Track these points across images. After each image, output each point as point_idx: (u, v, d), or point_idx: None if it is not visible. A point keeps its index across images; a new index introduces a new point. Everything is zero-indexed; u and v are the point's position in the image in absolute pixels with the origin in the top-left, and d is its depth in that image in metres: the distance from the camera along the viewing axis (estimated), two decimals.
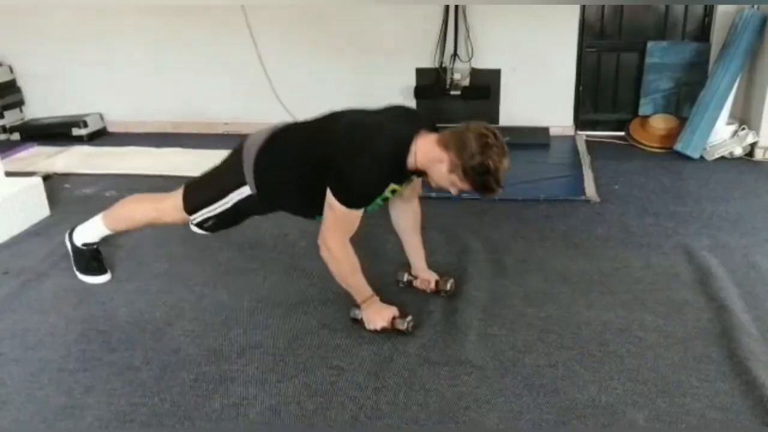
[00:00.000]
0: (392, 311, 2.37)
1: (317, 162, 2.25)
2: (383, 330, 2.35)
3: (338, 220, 2.23)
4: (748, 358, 2.16)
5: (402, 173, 2.26)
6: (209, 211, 2.47)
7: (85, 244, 2.77)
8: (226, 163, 2.52)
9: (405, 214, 2.60)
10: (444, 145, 2.15)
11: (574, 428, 1.91)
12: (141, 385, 2.15)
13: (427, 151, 2.18)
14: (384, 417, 1.98)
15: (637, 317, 2.46)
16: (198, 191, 2.53)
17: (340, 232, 2.26)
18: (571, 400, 2.02)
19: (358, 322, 2.40)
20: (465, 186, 2.17)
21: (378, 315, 2.36)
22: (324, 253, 2.29)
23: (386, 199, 2.36)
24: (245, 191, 2.39)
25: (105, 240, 2.82)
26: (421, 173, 2.27)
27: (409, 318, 2.37)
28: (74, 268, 2.81)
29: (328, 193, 2.20)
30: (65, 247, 2.82)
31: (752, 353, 2.18)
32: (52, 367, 2.25)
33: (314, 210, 2.31)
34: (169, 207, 2.56)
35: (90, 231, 2.76)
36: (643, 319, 2.45)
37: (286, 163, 2.34)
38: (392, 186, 2.26)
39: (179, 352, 2.32)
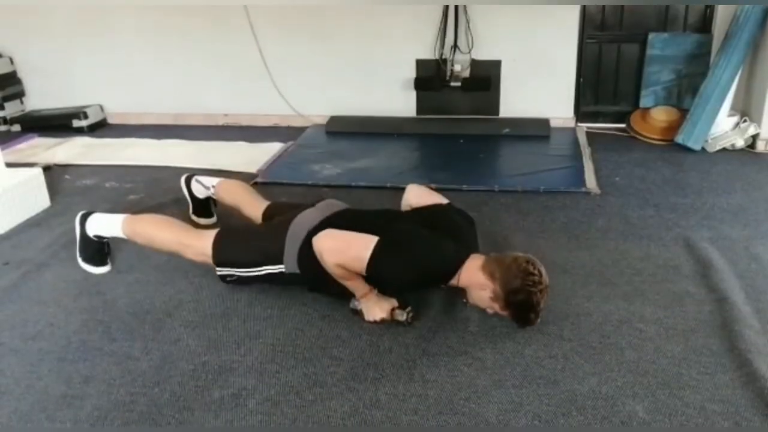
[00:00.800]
0: (391, 303, 2.38)
1: None
2: (382, 321, 2.36)
3: (349, 257, 2.25)
4: (748, 350, 2.16)
5: (438, 286, 2.41)
6: (237, 272, 2.52)
7: (97, 237, 2.77)
8: (268, 234, 2.55)
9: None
10: (489, 274, 2.22)
11: (573, 420, 1.92)
12: (141, 375, 2.15)
13: (471, 275, 2.27)
14: (383, 408, 1.98)
15: (637, 309, 2.46)
16: (232, 250, 2.53)
17: (339, 259, 2.25)
18: (570, 392, 2.02)
19: (358, 314, 2.41)
20: (504, 314, 2.26)
21: (377, 306, 2.36)
22: (317, 254, 2.29)
23: None
24: (279, 268, 2.44)
25: (115, 239, 2.80)
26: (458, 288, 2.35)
27: (409, 309, 2.37)
28: (77, 254, 2.81)
29: (372, 238, 2.23)
30: (68, 235, 2.81)
31: (753, 345, 2.18)
32: (51, 357, 2.26)
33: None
34: (196, 249, 2.54)
35: (106, 227, 2.74)
36: (643, 311, 2.45)
37: None
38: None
39: (179, 343, 2.32)
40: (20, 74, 5.38)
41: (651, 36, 4.67)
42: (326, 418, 1.94)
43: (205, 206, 3.19)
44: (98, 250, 2.81)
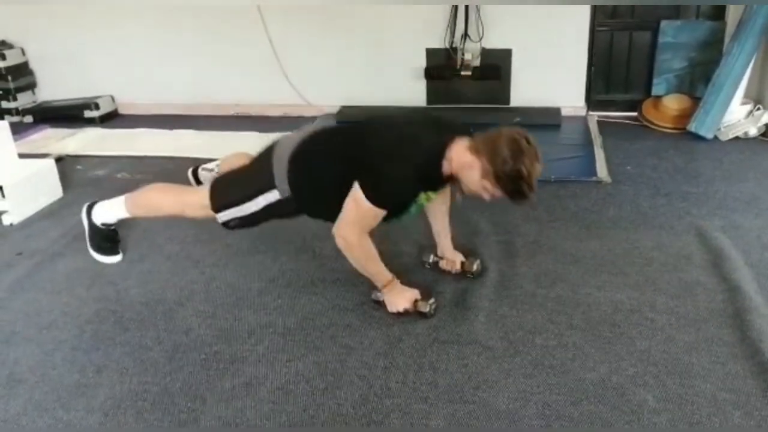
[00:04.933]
0: (414, 293, 2.37)
1: (352, 164, 2.25)
2: (406, 312, 2.35)
3: (360, 216, 2.22)
4: (760, 339, 2.15)
5: (437, 181, 2.29)
6: (236, 212, 2.47)
7: (104, 224, 2.78)
8: (255, 164, 2.53)
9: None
10: (476, 150, 2.15)
11: (583, 409, 1.92)
12: (153, 364, 2.17)
13: (459, 157, 2.19)
14: (393, 396, 1.99)
15: (648, 298, 2.45)
16: (226, 191, 2.52)
17: (359, 228, 2.24)
18: (581, 381, 2.02)
19: (380, 305, 2.40)
20: (497, 192, 2.17)
21: (400, 297, 2.35)
22: (340, 243, 2.28)
23: (421, 206, 2.38)
24: (274, 195, 2.39)
25: (122, 222, 2.82)
26: (454, 180, 2.28)
27: (432, 300, 2.37)
28: (88, 245, 2.83)
29: (355, 188, 2.19)
30: (80, 225, 2.83)
31: (765, 335, 2.17)
32: (65, 346, 2.28)
33: None
34: (195, 203, 2.56)
35: (110, 211, 2.76)
36: (654, 301, 2.44)
37: (320, 166, 2.34)
38: (427, 194, 2.30)
39: (190, 333, 2.34)
40: (32, 65, 5.40)
41: (663, 23, 4.63)
42: (337, 407, 1.95)
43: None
44: (108, 238, 2.83)
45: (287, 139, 2.46)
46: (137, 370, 2.15)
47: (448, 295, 2.50)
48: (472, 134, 2.28)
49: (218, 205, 2.49)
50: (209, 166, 3.12)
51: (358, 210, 2.21)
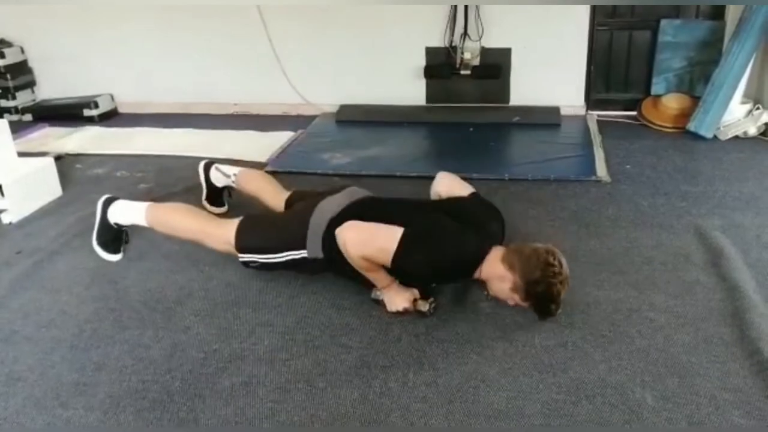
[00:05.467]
0: (413, 293, 2.38)
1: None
2: (405, 312, 2.35)
3: (376, 245, 2.24)
4: (759, 338, 2.15)
5: (462, 278, 2.41)
6: (260, 258, 2.50)
7: (117, 224, 2.79)
8: (292, 221, 2.56)
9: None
10: (510, 265, 2.22)
11: (583, 408, 1.92)
12: (152, 362, 2.17)
13: (492, 267, 2.27)
14: (393, 395, 1.99)
15: (647, 297, 2.46)
16: (256, 237, 2.52)
17: (362, 246, 2.25)
18: (580, 380, 2.03)
19: (380, 304, 2.40)
20: (524, 305, 2.25)
21: (399, 297, 2.36)
22: (340, 242, 2.28)
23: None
24: (302, 253, 2.42)
25: (135, 227, 2.82)
26: (482, 282, 2.35)
27: (431, 299, 2.38)
28: (94, 237, 2.82)
29: (398, 230, 2.21)
30: (80, 223, 2.83)
31: (764, 334, 2.17)
32: (64, 345, 2.28)
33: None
34: (219, 237, 2.55)
35: (128, 214, 2.76)
36: (653, 300, 2.44)
37: None
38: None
39: (189, 331, 2.34)
40: (31, 64, 5.39)
41: (663, 22, 4.62)
42: (336, 406, 1.95)
43: (219, 195, 3.20)
44: (116, 237, 2.84)
45: (328, 204, 2.47)
46: (136, 368, 2.15)
47: (448, 294, 2.50)
48: (505, 243, 2.39)
49: (243, 246, 2.50)
50: (226, 170, 3.11)
51: (379, 238, 2.24)
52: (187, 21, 5.04)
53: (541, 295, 2.19)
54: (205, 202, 3.20)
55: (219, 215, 2.96)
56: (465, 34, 4.74)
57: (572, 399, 1.95)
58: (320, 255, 2.40)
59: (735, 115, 4.26)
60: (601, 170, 3.74)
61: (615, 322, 2.31)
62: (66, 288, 2.65)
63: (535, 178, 3.64)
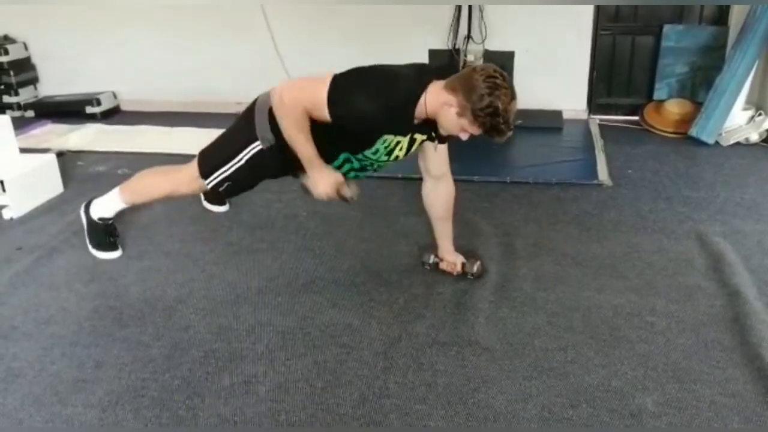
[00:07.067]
0: (338, 177, 2.31)
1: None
2: (329, 199, 2.30)
3: (309, 89, 2.16)
4: (760, 344, 2.15)
5: (408, 123, 2.25)
6: (223, 172, 2.46)
7: (101, 219, 2.79)
8: (236, 124, 2.53)
9: (437, 195, 2.60)
10: (452, 88, 2.13)
11: (582, 412, 1.91)
12: (152, 361, 2.17)
13: (436, 96, 2.16)
14: (392, 396, 1.98)
15: (648, 302, 2.45)
16: (211, 154, 2.53)
17: (298, 95, 2.17)
18: (580, 384, 2.02)
19: (308, 193, 2.33)
20: (475, 129, 2.15)
21: (323, 180, 2.28)
22: (274, 100, 2.22)
23: (396, 158, 2.36)
24: (256, 146, 2.38)
25: (120, 216, 2.83)
26: (430, 122, 2.24)
27: (354, 186, 2.31)
28: (87, 242, 2.83)
29: (328, 78, 2.15)
30: (80, 220, 2.84)
31: (764, 340, 2.17)
32: (63, 342, 2.28)
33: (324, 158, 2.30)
34: (185, 177, 2.57)
35: (106, 205, 2.77)
36: (654, 304, 2.44)
37: None
38: (396, 138, 2.27)
39: (189, 330, 2.34)
40: (34, 60, 5.40)
41: (666, 28, 4.64)
42: (336, 406, 1.95)
43: (219, 194, 3.18)
44: (106, 233, 2.83)
45: (266, 95, 2.41)
46: (136, 366, 2.14)
47: (448, 295, 2.50)
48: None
49: (206, 169, 2.49)
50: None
51: (311, 83, 2.17)
52: (190, 20, 5.05)
53: (487, 110, 2.07)
54: (205, 203, 3.20)
55: (221, 215, 2.95)
56: (468, 36, 4.75)
57: (572, 403, 1.95)
58: (270, 136, 2.33)
59: (737, 121, 4.27)
60: (603, 174, 3.74)
61: (615, 326, 2.31)
62: (66, 285, 2.64)
63: (536, 182, 3.65)
